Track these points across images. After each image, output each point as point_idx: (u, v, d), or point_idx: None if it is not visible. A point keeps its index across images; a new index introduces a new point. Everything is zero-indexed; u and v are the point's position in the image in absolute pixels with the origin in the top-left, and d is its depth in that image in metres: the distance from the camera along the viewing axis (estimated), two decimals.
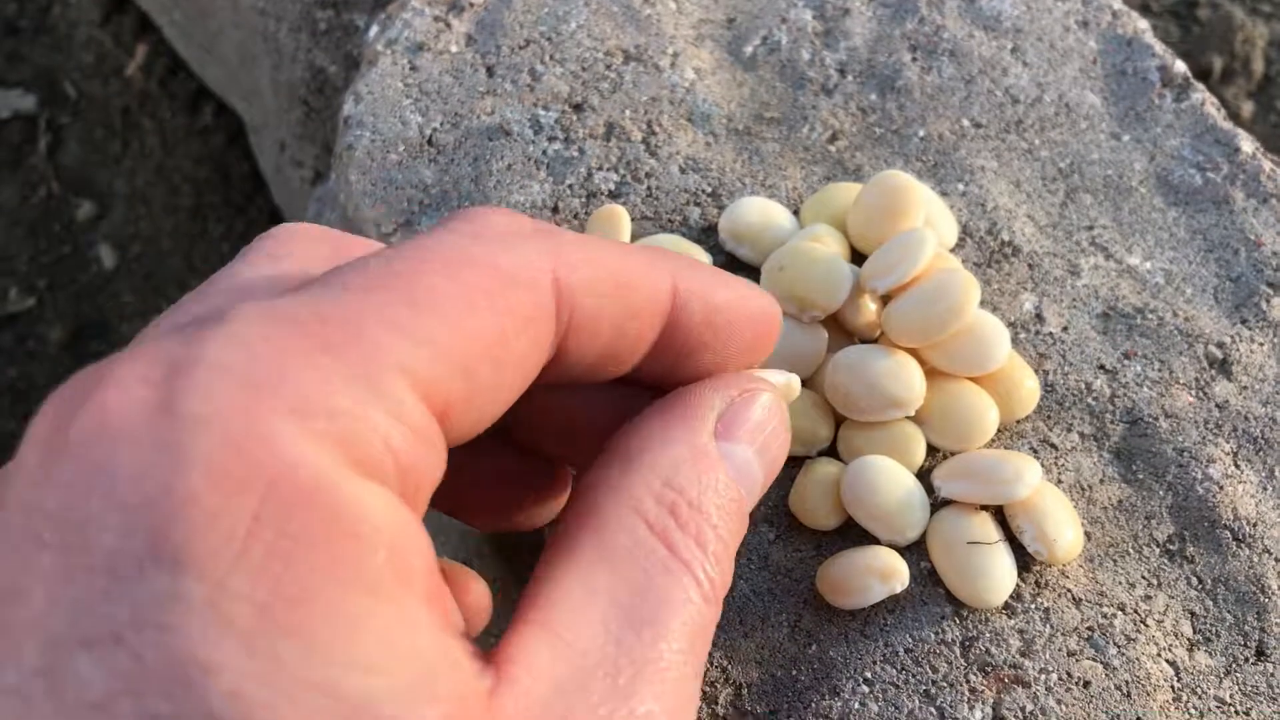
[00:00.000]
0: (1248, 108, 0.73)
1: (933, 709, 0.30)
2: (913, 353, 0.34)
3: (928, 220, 0.37)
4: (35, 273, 0.65)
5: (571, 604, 0.22)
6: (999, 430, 0.34)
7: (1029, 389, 0.34)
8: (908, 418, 0.33)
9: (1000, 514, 0.33)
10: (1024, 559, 0.32)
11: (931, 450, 0.34)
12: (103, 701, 0.17)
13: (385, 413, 0.20)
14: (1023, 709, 0.30)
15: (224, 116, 0.68)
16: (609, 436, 0.26)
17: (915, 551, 0.32)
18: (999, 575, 0.31)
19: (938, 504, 0.32)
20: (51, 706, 0.17)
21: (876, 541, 0.32)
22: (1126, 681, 0.31)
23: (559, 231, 0.24)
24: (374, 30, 0.43)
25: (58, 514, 0.18)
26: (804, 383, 0.35)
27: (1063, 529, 0.32)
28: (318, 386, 0.19)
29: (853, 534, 0.32)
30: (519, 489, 0.29)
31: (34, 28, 0.73)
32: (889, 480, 0.31)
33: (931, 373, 0.34)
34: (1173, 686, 0.31)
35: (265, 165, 0.61)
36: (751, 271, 0.36)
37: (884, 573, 0.30)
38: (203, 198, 0.61)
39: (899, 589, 0.31)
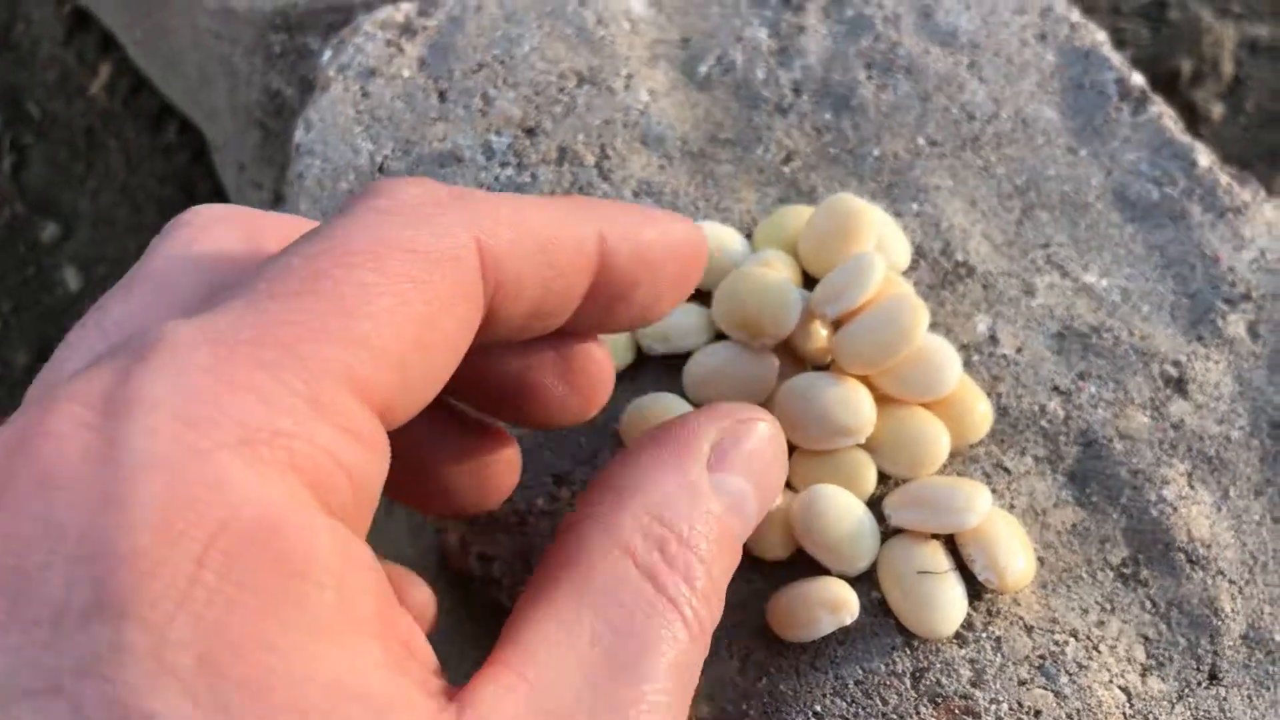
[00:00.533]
0: (1218, 110, 0.73)
1: None
2: (864, 379, 0.34)
3: (879, 243, 0.37)
4: (0, 295, 0.64)
5: (547, 647, 0.21)
6: (951, 455, 0.34)
7: (981, 414, 0.34)
8: (859, 445, 0.33)
9: (952, 542, 0.32)
10: (976, 587, 0.32)
11: (884, 477, 0.34)
12: None
13: (332, 427, 0.20)
14: None
15: (187, 134, 0.67)
16: (545, 385, 0.26)
17: (866, 581, 0.32)
18: (949, 605, 0.31)
19: (889, 532, 0.32)
20: None
21: (827, 572, 0.32)
22: (1078, 710, 0.31)
23: (476, 196, 0.24)
24: (327, 55, 0.43)
25: (0, 564, 0.18)
26: None
27: (1013, 557, 0.32)
28: (260, 411, 0.19)
29: (804, 565, 0.32)
30: (464, 464, 0.28)
31: None
32: (839, 510, 0.31)
33: (882, 399, 0.33)
34: (1124, 713, 0.31)
35: (227, 184, 0.60)
36: (703, 298, 0.36)
37: (833, 604, 0.30)
38: (167, 217, 0.60)
39: (848, 620, 0.30)
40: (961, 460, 0.35)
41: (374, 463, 0.21)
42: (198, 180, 0.66)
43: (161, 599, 0.18)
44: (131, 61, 0.69)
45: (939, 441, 0.33)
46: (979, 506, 0.31)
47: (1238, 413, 0.36)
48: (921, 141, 0.42)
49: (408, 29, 0.43)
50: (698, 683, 0.23)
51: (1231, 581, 0.34)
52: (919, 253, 0.39)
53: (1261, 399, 0.37)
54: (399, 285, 0.21)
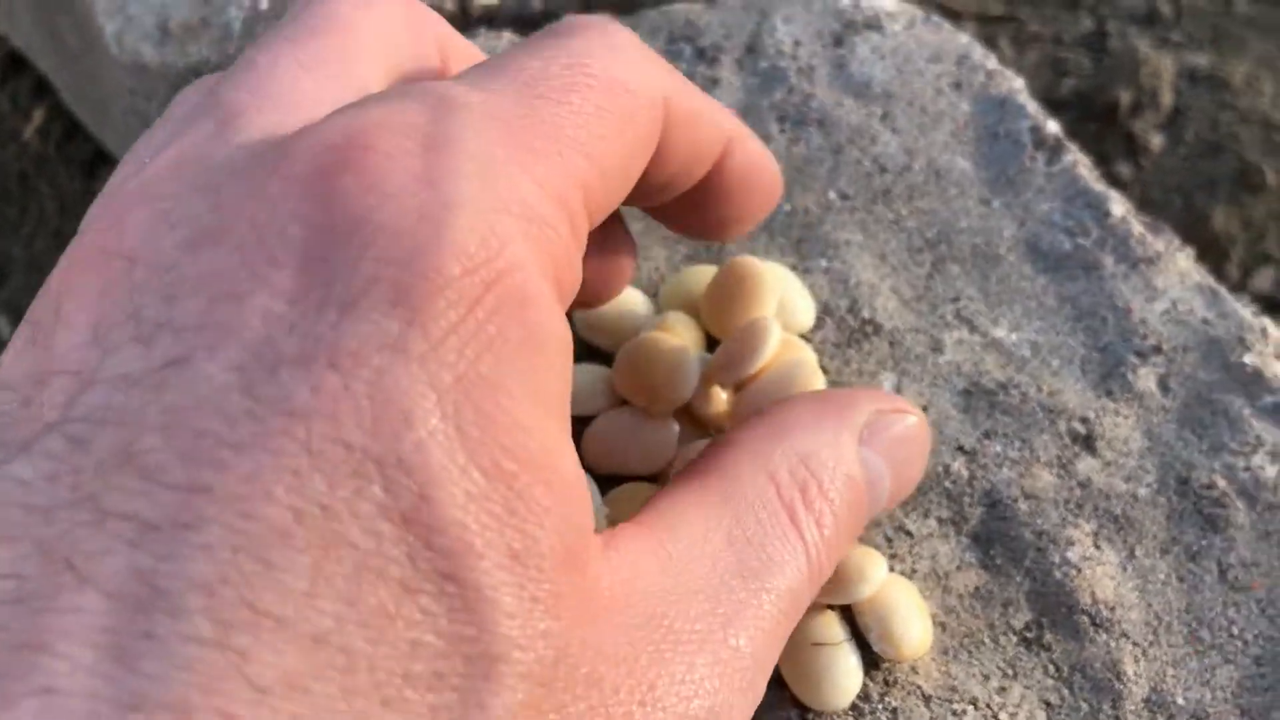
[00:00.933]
0: (1157, 141, 0.74)
1: None
2: None
3: (782, 303, 0.36)
4: None
5: (689, 528, 0.24)
6: None
7: None
8: None
9: (850, 609, 0.32)
10: (873, 655, 0.32)
11: None
12: (300, 412, 0.18)
13: (572, 230, 0.22)
14: None
15: None
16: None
17: None
18: (844, 677, 0.31)
19: None
20: (245, 403, 0.18)
21: None
22: None
23: (660, 59, 0.27)
24: None
25: (300, 245, 0.19)
26: (653, 478, 0.34)
27: (909, 626, 0.31)
28: (533, 193, 0.21)
29: None
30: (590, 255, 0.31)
31: None
32: None
33: None
34: None
35: None
36: (606, 360, 0.36)
37: None
38: None
39: None
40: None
41: (579, 269, 0.23)
42: None
43: (443, 318, 0.19)
44: (65, 106, 0.68)
45: None
46: (873, 577, 0.31)
47: (1146, 469, 0.36)
48: (833, 195, 0.41)
49: None
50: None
51: (1135, 644, 0.33)
52: (825, 310, 0.38)
53: (1170, 454, 0.37)
54: (621, 118, 0.24)
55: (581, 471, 0.22)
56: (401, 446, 0.18)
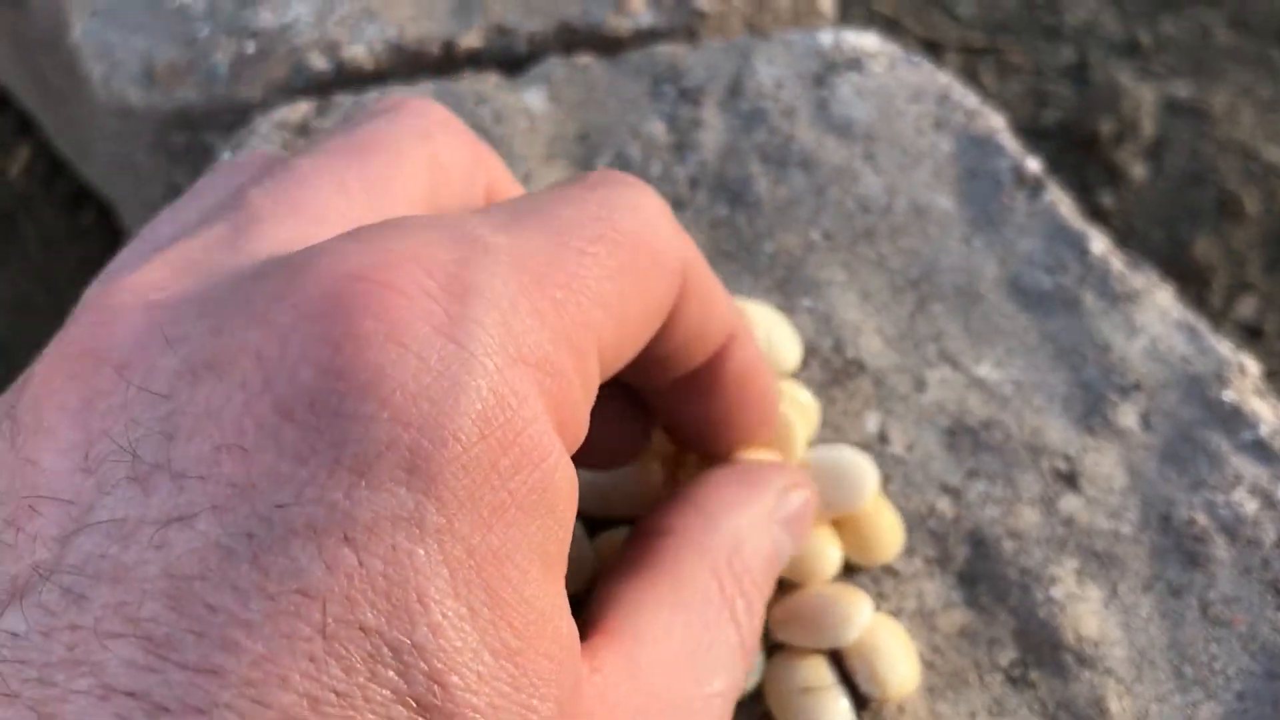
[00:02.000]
0: (1139, 170, 0.74)
1: None
2: None
3: (768, 344, 0.37)
4: None
5: (652, 638, 0.24)
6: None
7: (892, 538, 0.34)
8: None
9: (838, 651, 0.32)
10: (861, 696, 0.32)
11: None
12: (314, 592, 0.17)
13: (584, 381, 0.22)
14: None
15: (105, 217, 0.67)
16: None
17: (754, 696, 0.32)
18: None
19: (773, 645, 0.32)
20: (255, 576, 0.17)
21: None
22: None
23: (683, 231, 0.27)
24: (226, 155, 0.43)
25: (311, 393, 0.18)
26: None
27: (895, 666, 0.32)
28: (550, 343, 0.21)
29: None
30: (608, 419, 0.30)
31: None
32: None
33: None
34: None
35: None
36: None
37: None
38: None
39: None
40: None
41: (587, 422, 0.23)
42: None
43: (459, 486, 0.19)
44: (49, 144, 0.69)
45: (828, 558, 0.33)
46: (858, 620, 0.31)
47: (1128, 506, 0.37)
48: (816, 235, 0.42)
49: (304, 129, 0.43)
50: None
51: (1119, 680, 0.34)
52: (810, 350, 0.39)
53: (1152, 491, 0.37)
54: (638, 280, 0.24)
55: (572, 621, 0.21)
56: (417, 631, 0.18)
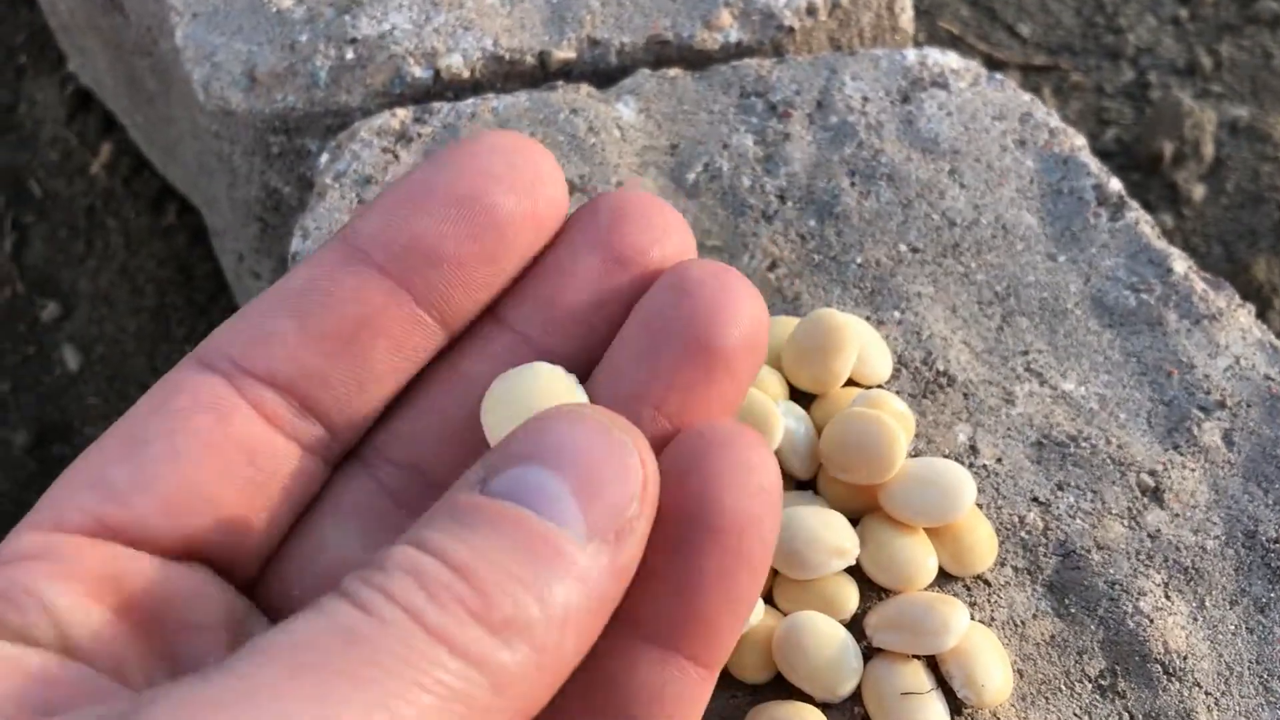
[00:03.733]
0: (1199, 191, 0.75)
1: None
2: (863, 490, 0.35)
3: (861, 356, 0.38)
4: (0, 376, 0.65)
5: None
6: None
7: (988, 548, 0.35)
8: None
9: (934, 656, 0.33)
10: (956, 702, 0.33)
11: (870, 585, 0.34)
12: None
13: None
14: None
15: (187, 215, 0.68)
16: None
17: (851, 698, 0.33)
18: None
19: (871, 649, 0.33)
20: None
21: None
22: None
23: None
24: (324, 159, 0.44)
25: None
26: None
27: (991, 673, 0.32)
28: None
29: (788, 682, 0.33)
30: None
31: None
32: (820, 639, 0.32)
33: (879, 514, 0.35)
34: None
35: (226, 269, 0.61)
36: None
37: None
38: (166, 298, 0.62)
39: None
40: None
41: None
42: (196, 262, 0.67)
43: None
44: (133, 142, 0.70)
45: (926, 567, 0.34)
46: (956, 627, 0.32)
47: (1213, 522, 0.37)
48: (903, 248, 0.43)
49: (403, 136, 0.44)
50: None
51: (1208, 693, 0.34)
52: (900, 362, 0.40)
53: (1236, 508, 0.38)
54: None
55: None
56: None
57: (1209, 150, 0.76)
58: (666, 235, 0.24)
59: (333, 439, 0.23)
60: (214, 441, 0.22)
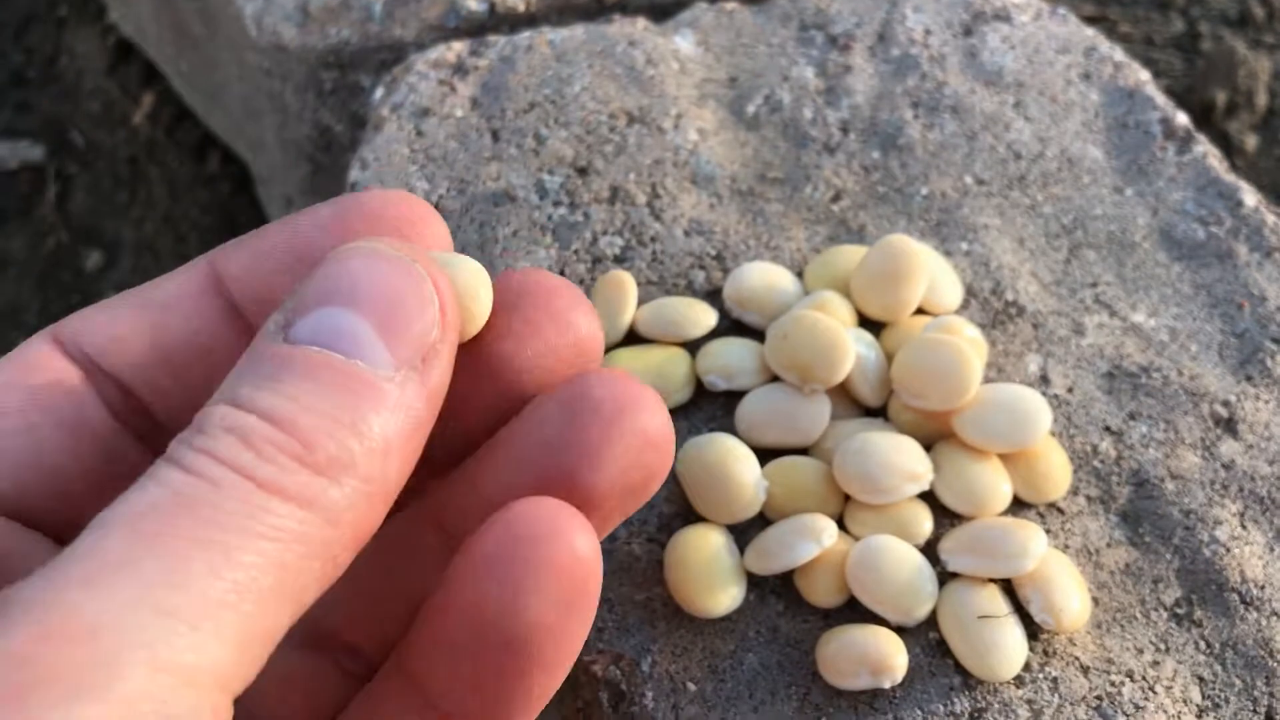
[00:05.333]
0: (1252, 141, 0.74)
1: None
2: (935, 416, 0.34)
3: (931, 285, 0.37)
4: (44, 324, 0.65)
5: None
6: None
7: (1062, 474, 0.34)
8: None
9: (1009, 582, 0.33)
10: (1031, 627, 0.32)
11: (943, 511, 0.34)
12: None
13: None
14: None
15: (230, 164, 0.68)
16: None
17: (925, 622, 0.32)
18: (1010, 649, 0.31)
19: (945, 573, 0.33)
20: None
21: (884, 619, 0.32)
22: None
23: None
24: (379, 93, 0.44)
25: None
26: (805, 451, 0.35)
27: (1069, 598, 0.32)
28: None
29: (862, 606, 0.32)
30: None
31: (41, 78, 0.73)
32: (895, 562, 0.31)
33: (954, 440, 0.34)
34: None
35: (273, 216, 0.61)
36: (758, 337, 0.37)
37: (875, 665, 0.30)
38: (209, 246, 0.61)
39: (888, 685, 0.31)
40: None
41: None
42: (239, 211, 0.67)
43: None
44: (174, 92, 0.70)
45: (1001, 493, 0.33)
46: (1034, 550, 0.31)
47: None
48: (969, 180, 0.42)
49: (460, 68, 0.44)
50: None
51: None
52: (970, 292, 0.39)
53: None
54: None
55: None
56: None
57: (1262, 100, 0.75)
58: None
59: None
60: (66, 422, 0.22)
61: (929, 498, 0.34)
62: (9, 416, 0.21)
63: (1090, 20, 0.80)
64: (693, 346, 0.37)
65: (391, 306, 0.20)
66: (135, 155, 0.69)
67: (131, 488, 0.18)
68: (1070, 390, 0.37)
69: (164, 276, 0.23)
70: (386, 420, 0.19)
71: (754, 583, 0.33)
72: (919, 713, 0.31)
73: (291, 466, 0.18)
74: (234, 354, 0.20)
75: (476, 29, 0.47)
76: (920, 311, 0.37)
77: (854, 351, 0.34)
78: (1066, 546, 0.34)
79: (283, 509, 0.18)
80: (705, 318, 0.37)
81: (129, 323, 0.22)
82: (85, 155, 0.71)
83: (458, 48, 0.44)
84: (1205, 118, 0.74)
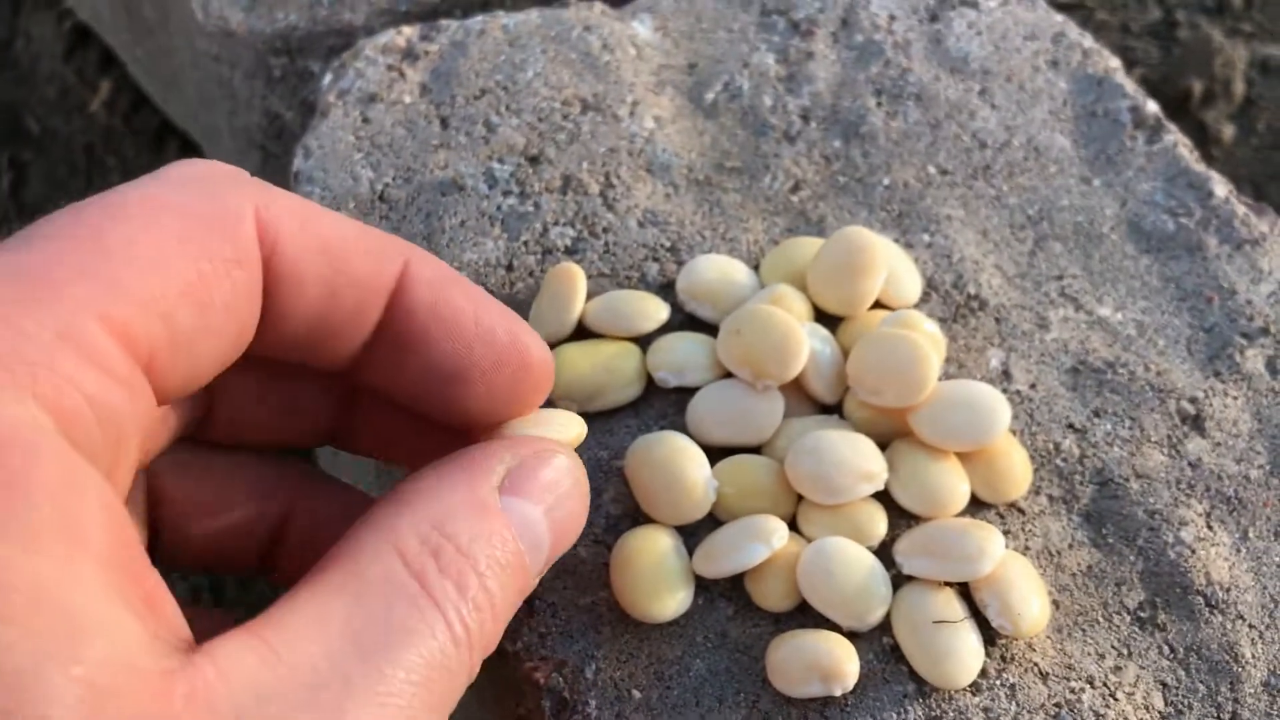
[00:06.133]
0: (1229, 130, 0.73)
1: None
2: (891, 413, 0.33)
3: (890, 277, 0.36)
4: None
5: (297, 622, 0.21)
6: None
7: (1022, 473, 0.33)
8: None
9: (966, 585, 0.32)
10: (990, 631, 0.31)
11: (899, 511, 0.33)
12: None
13: (79, 358, 0.20)
14: None
15: (188, 152, 0.67)
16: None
17: (879, 627, 0.31)
18: (965, 655, 0.30)
19: (900, 577, 0.32)
20: None
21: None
22: None
23: (267, 184, 0.24)
24: (327, 79, 0.42)
25: None
26: (758, 450, 0.34)
27: (1028, 601, 0.31)
28: (6, 338, 0.19)
29: (814, 610, 0.31)
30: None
31: None
32: (848, 565, 0.30)
33: (910, 438, 0.33)
34: None
35: None
36: (711, 331, 0.35)
37: (827, 673, 0.29)
38: None
39: (839, 692, 0.30)
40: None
41: (126, 401, 0.21)
42: None
43: None
44: (132, 79, 0.68)
45: (959, 493, 0.32)
46: (992, 553, 0.30)
47: (1256, 450, 0.36)
48: (932, 170, 0.41)
49: (409, 54, 0.42)
50: (457, 703, 0.23)
51: (1252, 626, 0.33)
52: (930, 285, 0.38)
53: None
54: (167, 239, 0.21)
55: (120, 606, 0.19)
56: None
57: (1239, 89, 0.74)
58: None
59: None
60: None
61: (884, 498, 0.33)
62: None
63: (1066, 8, 0.79)
64: (644, 341, 0.35)
65: (565, 539, 0.26)
66: (92, 143, 0.67)
67: (346, 562, 0.22)
68: (1033, 386, 0.36)
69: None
70: (516, 599, 0.24)
71: (702, 586, 0.32)
72: None
73: (459, 602, 0.23)
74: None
75: (429, 13, 0.45)
76: (878, 305, 0.36)
77: (808, 347, 0.33)
78: (1027, 548, 0.33)
79: (463, 656, 0.22)
80: (657, 312, 0.35)
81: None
82: (41, 142, 0.69)
83: (408, 32, 0.43)
84: (1182, 106, 0.73)
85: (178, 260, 0.21)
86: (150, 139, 0.67)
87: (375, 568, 0.22)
